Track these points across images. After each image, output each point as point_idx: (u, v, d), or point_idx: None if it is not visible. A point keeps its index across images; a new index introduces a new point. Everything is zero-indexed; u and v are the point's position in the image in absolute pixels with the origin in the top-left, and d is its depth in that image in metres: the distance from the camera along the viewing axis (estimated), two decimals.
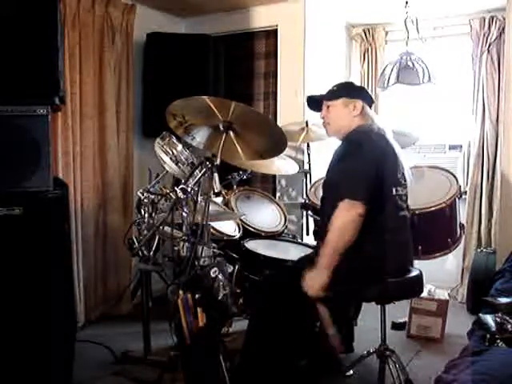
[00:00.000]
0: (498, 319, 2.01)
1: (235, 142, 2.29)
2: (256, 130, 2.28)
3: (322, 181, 2.55)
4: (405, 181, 2.34)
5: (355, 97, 2.38)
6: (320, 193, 3.17)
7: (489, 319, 2.03)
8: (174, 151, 2.56)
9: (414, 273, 2.34)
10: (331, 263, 2.11)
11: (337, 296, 2.21)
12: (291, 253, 2.90)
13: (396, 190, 2.27)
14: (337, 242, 2.11)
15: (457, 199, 2.90)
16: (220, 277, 2.17)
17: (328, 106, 2.41)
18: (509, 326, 1.96)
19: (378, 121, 2.37)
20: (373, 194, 2.13)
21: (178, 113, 2.23)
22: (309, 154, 3.77)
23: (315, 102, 2.51)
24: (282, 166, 3.52)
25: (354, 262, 2.16)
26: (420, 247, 2.68)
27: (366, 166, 2.17)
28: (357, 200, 2.09)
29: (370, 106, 2.43)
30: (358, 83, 4.48)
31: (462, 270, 4.12)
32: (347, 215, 2.10)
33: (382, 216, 2.21)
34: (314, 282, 2.12)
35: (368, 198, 2.11)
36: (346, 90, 2.43)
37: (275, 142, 2.31)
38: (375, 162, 2.18)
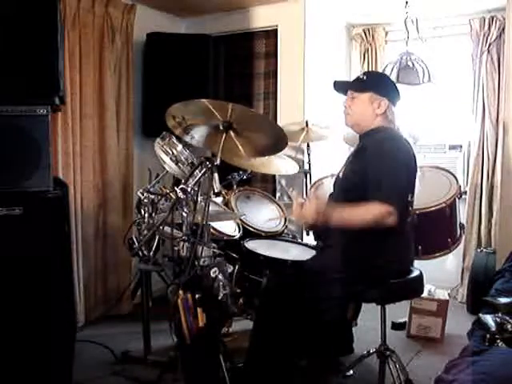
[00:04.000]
0: (498, 319, 2.01)
1: (235, 140, 2.29)
2: (256, 128, 2.28)
3: (334, 179, 2.51)
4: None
5: (383, 95, 2.29)
6: (320, 193, 3.17)
7: (489, 319, 2.03)
8: (174, 151, 2.56)
9: (415, 273, 2.35)
10: (332, 222, 2.11)
11: (338, 296, 2.22)
12: (291, 253, 2.89)
13: (411, 197, 2.27)
14: (347, 225, 2.10)
15: (457, 199, 2.90)
16: (220, 277, 2.17)
17: (353, 97, 2.33)
18: (509, 326, 1.95)
19: (398, 123, 2.33)
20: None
21: (177, 115, 2.23)
22: (309, 154, 3.77)
23: (341, 85, 2.44)
24: (281, 166, 3.52)
25: (359, 266, 2.16)
26: (420, 247, 2.68)
27: (405, 174, 2.17)
28: (393, 207, 2.03)
29: (395, 104, 2.35)
30: None
31: (462, 270, 4.11)
32: (375, 218, 2.04)
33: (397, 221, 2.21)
34: (308, 216, 2.13)
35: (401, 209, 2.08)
36: (376, 84, 2.33)
37: (276, 139, 2.30)
38: (410, 170, 2.20)
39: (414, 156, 2.27)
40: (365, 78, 2.36)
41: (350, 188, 2.27)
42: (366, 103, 2.30)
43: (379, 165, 2.14)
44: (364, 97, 2.31)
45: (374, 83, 2.34)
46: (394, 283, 2.23)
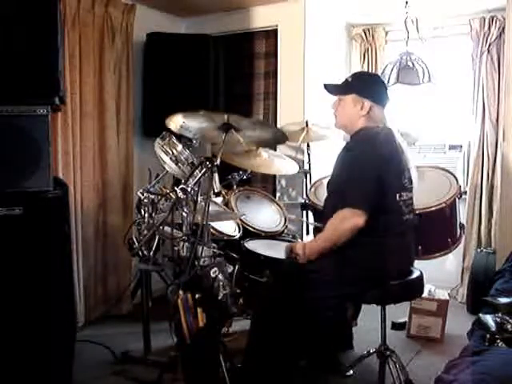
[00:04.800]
0: (498, 319, 2.01)
1: (237, 134, 2.30)
2: (255, 128, 2.30)
3: (327, 181, 2.54)
4: (410, 184, 2.33)
5: (366, 96, 2.30)
6: (320, 193, 3.18)
7: (489, 319, 2.03)
8: (174, 151, 2.56)
9: (415, 274, 2.35)
10: (318, 254, 2.19)
11: (338, 298, 2.22)
12: None
13: (400, 196, 2.25)
14: (330, 244, 2.17)
15: (457, 199, 2.90)
16: (220, 277, 2.17)
17: (339, 99, 2.37)
18: (509, 326, 1.96)
19: (387, 122, 2.32)
20: (375, 203, 2.14)
21: (178, 122, 2.25)
22: (309, 154, 3.77)
23: (329, 88, 2.45)
24: (282, 166, 3.52)
25: (356, 267, 2.17)
26: (420, 247, 2.68)
27: (370, 176, 2.15)
28: (359, 209, 2.10)
29: (384, 106, 2.35)
30: None
31: (462, 269, 4.11)
32: (346, 224, 2.12)
33: (386, 223, 2.20)
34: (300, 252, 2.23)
35: (370, 209, 2.11)
36: (360, 85, 2.34)
37: (275, 136, 2.32)
38: (378, 172, 2.16)
39: (395, 154, 2.25)
40: (350, 79, 2.39)
41: (335, 192, 2.33)
42: (350, 105, 2.33)
43: (344, 170, 2.26)
44: (348, 99, 2.33)
45: (357, 84, 2.35)
46: (394, 285, 2.23)
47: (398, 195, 2.24)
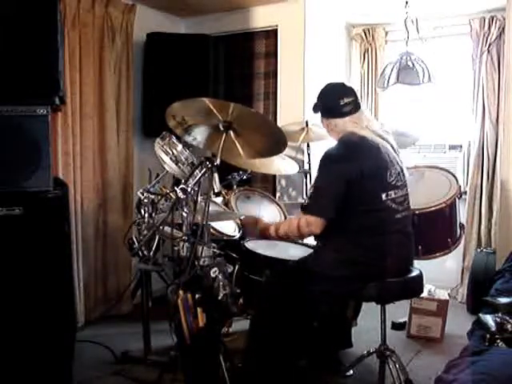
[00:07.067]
0: (498, 319, 2.01)
1: (235, 141, 2.29)
2: (256, 129, 2.29)
3: None
4: (400, 181, 2.30)
5: (328, 116, 2.40)
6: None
7: (489, 319, 2.03)
8: (174, 151, 2.56)
9: (415, 273, 2.35)
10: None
11: (337, 295, 2.22)
12: (291, 253, 2.89)
13: (387, 195, 2.24)
14: (286, 237, 2.38)
15: (457, 199, 2.90)
16: (220, 277, 2.17)
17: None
18: (509, 326, 1.96)
19: (371, 124, 2.33)
20: (343, 207, 2.17)
21: (177, 114, 2.23)
22: (309, 154, 3.77)
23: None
24: (281, 165, 3.52)
25: (354, 264, 2.17)
26: (420, 247, 2.68)
27: (333, 183, 2.21)
28: (319, 217, 2.18)
29: (345, 114, 2.34)
30: (357, 83, 4.48)
31: (462, 270, 4.11)
32: (303, 230, 2.23)
33: (377, 222, 2.21)
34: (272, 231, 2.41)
35: (331, 216, 2.17)
36: (320, 108, 2.44)
37: (275, 140, 2.31)
38: (344, 177, 2.18)
39: (370, 155, 2.24)
40: (316, 102, 2.47)
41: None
42: (324, 124, 2.46)
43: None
44: (321, 119, 2.46)
45: (318, 107, 2.46)
46: (391, 282, 2.23)
47: (384, 195, 2.23)
